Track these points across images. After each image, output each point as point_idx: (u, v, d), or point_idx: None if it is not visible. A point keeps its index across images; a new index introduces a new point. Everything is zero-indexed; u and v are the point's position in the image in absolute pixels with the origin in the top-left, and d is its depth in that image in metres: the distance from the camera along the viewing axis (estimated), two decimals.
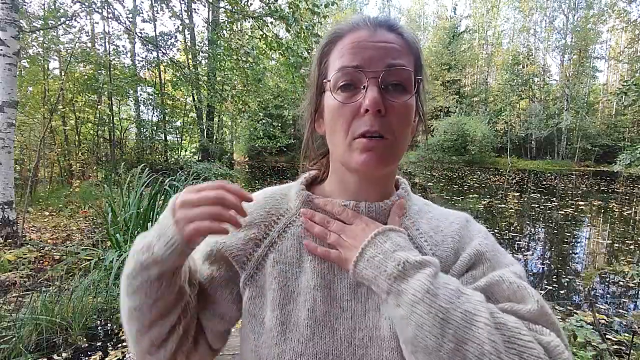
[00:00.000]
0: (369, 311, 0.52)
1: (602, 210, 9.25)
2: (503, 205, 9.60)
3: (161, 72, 12.01)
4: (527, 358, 0.39)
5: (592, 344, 2.34)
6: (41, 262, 4.11)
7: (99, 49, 11.06)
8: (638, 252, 5.53)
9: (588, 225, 7.82)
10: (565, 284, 4.26)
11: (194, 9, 12.04)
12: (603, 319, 3.31)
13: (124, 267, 0.51)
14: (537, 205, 9.65)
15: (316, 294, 0.52)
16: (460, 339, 0.40)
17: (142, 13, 9.74)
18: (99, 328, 2.98)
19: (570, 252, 5.82)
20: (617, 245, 5.96)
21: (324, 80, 0.54)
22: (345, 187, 0.57)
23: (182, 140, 13.46)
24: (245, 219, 0.56)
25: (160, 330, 0.51)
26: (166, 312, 0.50)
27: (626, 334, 2.90)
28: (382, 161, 0.51)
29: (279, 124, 14.28)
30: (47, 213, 6.51)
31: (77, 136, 10.09)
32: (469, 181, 15.44)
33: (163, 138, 12.18)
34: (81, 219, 6.26)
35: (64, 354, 2.58)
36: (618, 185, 14.84)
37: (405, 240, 0.50)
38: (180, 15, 10.06)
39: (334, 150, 0.55)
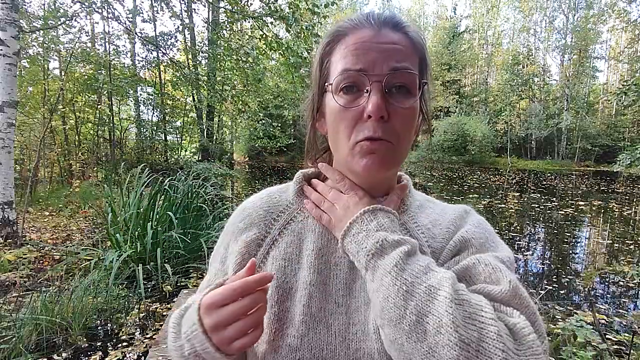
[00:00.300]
0: (361, 306, 0.52)
1: (602, 210, 9.25)
2: (503, 205, 9.60)
3: (161, 72, 12.01)
4: (486, 334, 0.39)
5: (592, 344, 2.34)
6: (41, 262, 4.12)
7: (99, 49, 11.06)
8: (638, 252, 5.53)
9: (588, 225, 7.82)
10: (565, 284, 4.26)
11: (194, 9, 12.05)
12: (603, 319, 3.31)
13: (177, 328, 0.55)
14: (537, 205, 9.65)
15: (312, 290, 0.53)
16: (421, 312, 0.41)
17: (142, 13, 9.74)
18: (99, 328, 2.98)
19: (570, 252, 5.82)
20: (617, 245, 5.96)
21: (326, 83, 0.53)
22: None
23: (182, 140, 13.46)
24: (245, 220, 0.58)
25: None
26: None
27: (626, 334, 2.90)
28: (384, 164, 0.51)
29: (279, 124, 14.29)
30: (47, 213, 6.51)
31: (77, 136, 10.09)
32: (469, 181, 15.44)
33: (163, 138, 12.18)
34: (81, 219, 6.26)
35: (64, 354, 2.58)
36: (618, 185, 14.84)
37: (392, 221, 0.51)
38: (180, 16, 10.07)
39: (336, 152, 0.55)
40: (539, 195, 11.51)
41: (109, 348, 2.71)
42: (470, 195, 11.09)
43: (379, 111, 0.47)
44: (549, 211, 8.90)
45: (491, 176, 17.93)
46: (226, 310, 0.46)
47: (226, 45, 8.77)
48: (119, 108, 12.15)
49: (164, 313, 3.19)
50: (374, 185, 0.56)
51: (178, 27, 10.69)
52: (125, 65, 11.06)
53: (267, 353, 0.52)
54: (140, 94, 11.94)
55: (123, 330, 2.96)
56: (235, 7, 7.37)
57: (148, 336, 2.87)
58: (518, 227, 7.31)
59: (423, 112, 0.56)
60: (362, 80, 0.49)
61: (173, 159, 12.03)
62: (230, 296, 0.46)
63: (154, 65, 11.45)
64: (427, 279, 0.43)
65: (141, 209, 4.17)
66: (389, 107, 0.49)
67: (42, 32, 7.76)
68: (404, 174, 0.64)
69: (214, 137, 14.57)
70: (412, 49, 0.51)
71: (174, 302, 3.20)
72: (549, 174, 19.76)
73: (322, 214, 0.55)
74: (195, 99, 12.12)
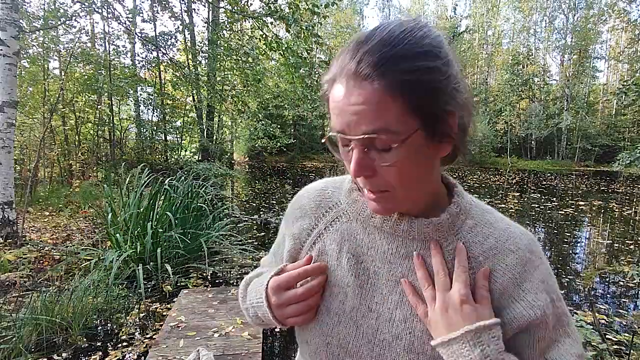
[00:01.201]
0: (394, 320, 0.53)
1: (602, 210, 9.25)
2: (503, 205, 9.60)
3: (161, 72, 12.01)
4: None
5: (592, 344, 2.34)
6: (41, 262, 4.12)
7: (99, 49, 11.06)
8: (638, 252, 5.53)
9: (588, 225, 7.82)
10: (565, 284, 4.26)
11: (194, 9, 12.05)
12: (603, 319, 3.31)
13: (246, 294, 0.67)
14: (537, 205, 9.65)
15: (348, 290, 0.55)
16: None
17: (142, 13, 9.75)
18: (99, 328, 2.98)
19: (570, 252, 5.82)
20: (617, 245, 5.96)
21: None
22: None
23: (182, 140, 13.46)
24: (300, 209, 0.64)
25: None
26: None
27: (626, 334, 2.91)
28: (389, 210, 0.51)
29: (279, 124, 14.28)
30: (47, 213, 6.51)
31: (77, 136, 10.09)
32: (469, 181, 15.44)
33: (163, 138, 12.18)
34: (81, 219, 6.26)
35: (64, 354, 2.58)
36: (618, 185, 14.84)
37: (497, 342, 0.47)
38: (180, 16, 10.07)
39: None
40: (539, 195, 11.51)
41: (109, 348, 2.71)
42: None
43: (358, 172, 0.47)
44: (549, 211, 8.90)
45: (491, 176, 17.93)
46: (287, 294, 0.56)
47: (226, 45, 8.78)
48: (119, 108, 12.14)
49: (164, 313, 3.19)
50: (408, 210, 0.53)
51: (178, 27, 10.70)
52: (125, 65, 11.06)
53: (304, 330, 0.59)
54: (140, 94, 11.94)
55: (123, 330, 2.96)
56: (235, 7, 7.37)
57: (148, 336, 2.87)
58: None
59: (438, 135, 0.47)
60: (344, 140, 0.48)
61: (173, 159, 12.04)
62: (291, 282, 0.56)
63: (154, 65, 11.45)
64: None
65: (141, 209, 4.17)
66: (374, 163, 0.46)
67: (42, 32, 7.76)
68: (451, 179, 0.58)
69: (214, 137, 14.57)
70: (386, 100, 0.43)
71: (174, 302, 3.20)
72: (549, 174, 19.76)
73: (418, 304, 0.51)
74: (195, 99, 12.12)
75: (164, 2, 7.88)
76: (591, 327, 2.48)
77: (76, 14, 7.25)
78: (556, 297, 0.51)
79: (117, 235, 3.98)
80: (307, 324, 0.58)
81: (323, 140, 0.53)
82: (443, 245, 0.53)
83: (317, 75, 7.65)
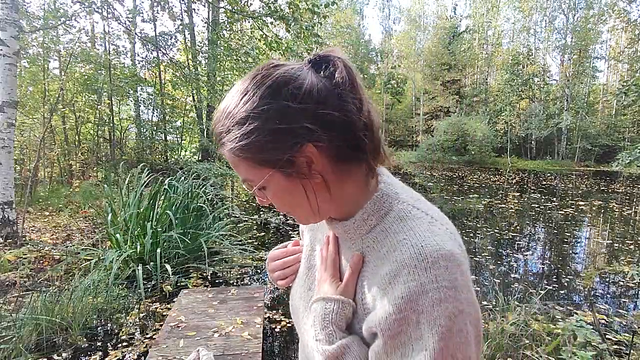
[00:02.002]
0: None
1: (602, 210, 9.25)
2: (503, 205, 9.60)
3: (161, 72, 12.01)
4: None
5: (592, 344, 2.34)
6: (41, 262, 4.12)
7: (99, 49, 11.06)
8: (638, 252, 5.53)
9: (588, 225, 7.81)
10: (565, 284, 4.26)
11: (194, 9, 12.05)
12: (603, 319, 3.31)
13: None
14: (537, 205, 9.65)
15: (302, 270, 0.73)
16: None
17: (142, 13, 9.75)
18: (99, 328, 2.98)
19: (570, 252, 5.82)
20: (617, 245, 5.96)
21: None
22: None
23: (182, 140, 13.46)
24: None
25: None
26: None
27: (626, 334, 2.91)
28: (302, 221, 0.62)
29: None
30: (47, 213, 6.51)
31: (77, 136, 10.09)
32: (469, 181, 15.44)
33: (163, 138, 12.17)
34: (81, 219, 6.26)
35: (64, 354, 2.58)
36: (618, 185, 14.84)
37: (325, 317, 0.55)
38: (180, 16, 10.07)
39: None
40: (539, 195, 11.51)
41: (109, 348, 2.71)
42: (470, 195, 11.09)
43: (260, 203, 0.60)
44: (549, 211, 8.90)
45: (491, 176, 17.93)
46: (274, 263, 0.77)
47: (226, 45, 8.78)
48: (119, 108, 12.14)
49: (164, 313, 3.19)
50: (336, 214, 0.60)
51: (178, 27, 10.70)
52: (125, 65, 11.06)
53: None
54: (140, 94, 11.93)
55: (123, 330, 2.96)
56: (235, 7, 7.37)
57: (148, 336, 2.87)
58: (518, 227, 7.31)
59: (295, 171, 0.52)
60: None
61: (173, 159, 12.03)
62: (279, 256, 0.77)
63: (154, 65, 11.45)
64: None
65: (141, 209, 4.17)
66: (266, 198, 0.57)
67: (42, 32, 7.76)
68: (384, 174, 0.60)
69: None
70: (234, 160, 0.54)
71: (174, 302, 3.20)
72: (549, 174, 19.76)
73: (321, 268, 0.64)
74: (195, 99, 12.12)
75: (162, 3, 7.88)
76: (591, 327, 2.47)
77: (76, 14, 7.26)
78: (416, 320, 0.45)
79: (117, 235, 3.98)
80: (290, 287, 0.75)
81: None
82: (348, 245, 0.60)
83: None
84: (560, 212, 8.76)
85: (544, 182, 15.72)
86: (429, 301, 0.44)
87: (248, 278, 4.21)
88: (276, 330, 3.07)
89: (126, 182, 4.78)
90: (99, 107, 10.36)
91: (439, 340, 0.44)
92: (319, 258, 0.66)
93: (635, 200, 11.16)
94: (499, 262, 5.08)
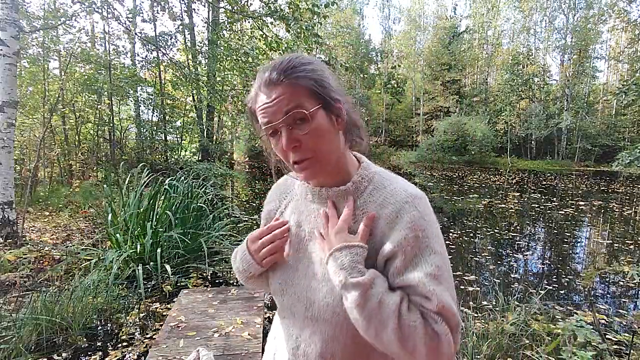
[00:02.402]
0: (318, 260, 0.75)
1: (602, 210, 9.25)
2: (503, 205, 9.60)
3: (161, 72, 12.01)
4: (415, 344, 0.60)
5: (592, 344, 2.34)
6: (41, 262, 4.12)
7: (99, 49, 11.06)
8: (638, 252, 5.53)
9: (588, 225, 7.81)
10: (565, 284, 4.26)
11: (194, 9, 12.04)
12: (603, 319, 3.31)
13: (235, 254, 0.86)
14: (537, 205, 9.65)
15: (291, 246, 0.80)
16: (378, 332, 0.62)
17: (142, 13, 9.75)
18: (99, 328, 2.98)
19: (570, 252, 5.82)
20: (617, 245, 5.96)
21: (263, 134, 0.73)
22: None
23: (182, 140, 13.45)
24: (270, 197, 0.91)
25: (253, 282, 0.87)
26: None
27: (626, 334, 2.90)
28: (315, 174, 0.71)
29: None
30: (47, 213, 6.51)
31: (77, 136, 10.09)
32: (469, 181, 15.44)
33: (163, 138, 12.17)
34: (81, 219, 6.26)
35: (64, 354, 2.58)
36: (618, 185, 14.84)
37: (355, 257, 0.67)
38: (180, 16, 10.06)
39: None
40: (539, 195, 11.51)
41: (109, 348, 2.71)
42: (470, 196, 11.09)
43: (289, 145, 0.67)
44: (549, 211, 8.90)
45: (491, 176, 17.93)
46: (260, 241, 0.79)
47: (226, 45, 8.77)
48: (119, 108, 12.13)
49: (164, 313, 3.19)
50: (328, 179, 0.76)
51: (178, 27, 10.70)
52: (125, 65, 11.05)
53: (270, 277, 0.82)
54: (140, 94, 11.93)
55: (123, 330, 2.96)
56: (235, 7, 7.37)
57: (148, 336, 2.87)
58: (518, 227, 7.31)
59: (339, 114, 0.71)
60: (274, 127, 0.68)
61: (173, 159, 12.02)
62: (263, 233, 0.80)
63: (154, 65, 11.45)
64: (379, 314, 0.62)
65: (141, 209, 4.17)
66: (297, 136, 0.67)
67: (42, 32, 7.75)
68: (363, 156, 0.80)
69: (214, 137, 14.56)
70: (295, 90, 0.67)
71: (174, 302, 3.20)
72: (549, 174, 19.76)
73: (323, 242, 0.74)
74: (195, 99, 12.11)
75: (162, 3, 7.88)
76: (591, 327, 2.47)
77: (76, 14, 7.25)
78: (422, 235, 0.66)
79: (117, 235, 3.98)
80: (274, 266, 0.80)
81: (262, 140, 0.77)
82: (351, 204, 0.74)
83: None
84: (560, 212, 8.76)
85: (544, 182, 15.72)
86: (426, 223, 0.67)
87: None
88: None
89: (126, 182, 4.78)
90: (99, 107, 10.35)
91: (440, 245, 0.67)
92: (315, 226, 0.77)
93: (635, 200, 11.16)
94: (499, 262, 5.08)
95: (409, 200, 0.69)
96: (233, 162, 19.29)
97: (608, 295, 4.13)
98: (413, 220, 0.67)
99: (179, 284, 3.76)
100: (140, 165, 5.26)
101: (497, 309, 2.95)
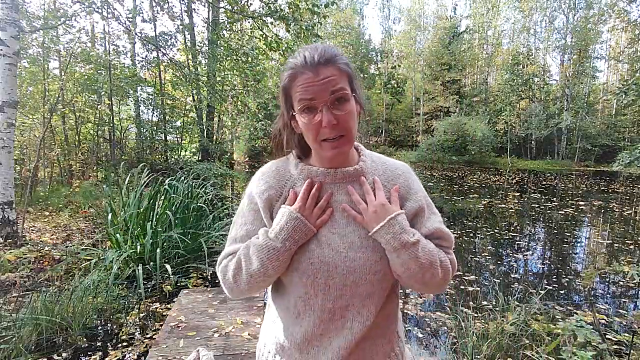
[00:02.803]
0: (349, 233, 0.83)
1: (602, 210, 9.25)
2: (503, 205, 9.60)
3: (161, 72, 12.00)
4: (446, 271, 0.83)
5: (592, 344, 2.34)
6: (41, 262, 4.11)
7: (99, 49, 11.05)
8: (638, 252, 5.53)
9: (588, 225, 7.81)
10: (565, 284, 4.26)
11: (194, 9, 12.04)
12: (603, 319, 3.31)
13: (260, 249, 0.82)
14: (537, 205, 9.65)
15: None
16: (425, 273, 0.80)
17: (142, 13, 9.75)
18: (99, 328, 2.98)
19: (570, 252, 5.82)
20: (617, 245, 5.96)
21: (292, 108, 0.81)
22: (324, 160, 0.86)
23: (182, 140, 13.44)
24: (265, 184, 0.89)
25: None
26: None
27: (626, 334, 2.90)
28: (343, 152, 0.81)
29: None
30: (47, 213, 6.50)
31: (77, 136, 10.09)
32: (469, 181, 15.44)
33: (163, 138, 12.16)
34: (81, 219, 6.26)
35: (64, 354, 2.58)
36: (618, 185, 14.83)
37: (405, 222, 0.81)
38: (180, 16, 10.06)
39: (311, 145, 0.84)
40: (539, 195, 11.51)
41: (109, 348, 2.71)
42: (470, 195, 11.09)
43: (330, 123, 0.76)
44: (549, 211, 8.90)
45: (491, 176, 17.93)
46: (308, 205, 0.83)
47: (226, 45, 8.77)
48: (119, 108, 12.13)
49: (164, 313, 3.19)
50: (339, 157, 0.85)
51: (178, 27, 10.69)
52: (125, 65, 11.04)
53: (295, 261, 0.83)
54: (140, 94, 11.92)
55: (123, 330, 2.96)
56: (235, 7, 7.37)
57: (148, 336, 2.87)
58: (518, 227, 7.32)
59: (360, 103, 0.85)
60: (315, 104, 0.76)
61: (173, 159, 12.02)
62: (305, 198, 0.83)
63: (154, 65, 11.44)
64: (428, 257, 0.80)
65: (141, 209, 4.17)
66: (336, 115, 0.76)
67: (42, 32, 7.75)
68: (360, 146, 0.93)
69: (214, 137, 14.55)
70: (340, 74, 0.78)
71: (174, 302, 3.20)
72: (549, 174, 19.75)
73: (357, 216, 0.83)
74: (195, 99, 12.10)
75: (162, 3, 7.87)
76: (591, 327, 2.47)
77: (76, 14, 7.25)
78: (425, 196, 0.90)
79: (117, 235, 3.98)
80: (299, 251, 0.82)
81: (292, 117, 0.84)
82: (363, 180, 0.86)
83: None
84: (560, 212, 8.76)
85: (544, 182, 15.72)
86: (420, 183, 0.92)
87: None
88: None
89: (126, 182, 4.78)
90: (99, 107, 10.35)
91: (428, 197, 0.92)
92: (340, 201, 0.86)
93: (635, 200, 11.16)
94: (499, 262, 5.08)
95: (408, 170, 0.92)
96: (233, 162, 19.28)
97: (608, 295, 4.13)
98: (419, 185, 0.90)
99: (179, 284, 3.76)
100: (140, 165, 5.26)
101: (497, 309, 2.95)
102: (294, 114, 0.81)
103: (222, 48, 8.95)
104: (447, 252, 0.85)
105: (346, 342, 0.81)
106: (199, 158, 13.52)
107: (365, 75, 30.42)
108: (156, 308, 3.32)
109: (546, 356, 2.30)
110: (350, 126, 0.78)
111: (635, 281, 4.26)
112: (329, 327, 0.82)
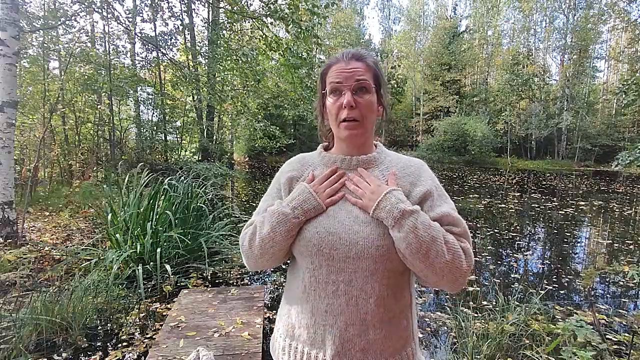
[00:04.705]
0: (355, 210, 0.90)
1: (602, 210, 9.24)
2: (503, 205, 9.60)
3: (161, 72, 12.00)
4: (454, 253, 0.82)
5: (592, 344, 2.34)
6: (41, 262, 4.11)
7: (99, 49, 11.05)
8: (638, 252, 5.52)
9: (588, 225, 7.81)
10: (565, 284, 4.26)
11: (194, 9, 12.04)
12: (603, 319, 3.31)
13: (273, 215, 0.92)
14: (537, 205, 9.65)
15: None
16: (428, 248, 0.80)
17: (142, 13, 9.74)
18: (99, 328, 2.98)
19: (570, 252, 5.82)
20: (617, 245, 5.96)
21: (324, 90, 0.95)
22: (343, 148, 0.98)
23: (182, 140, 13.44)
24: (290, 167, 1.03)
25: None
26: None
27: (626, 334, 2.90)
28: (356, 135, 0.91)
29: (279, 125, 14.20)
30: (47, 213, 6.50)
31: (77, 136, 10.09)
32: (469, 181, 15.43)
33: (163, 138, 12.16)
34: (81, 219, 6.26)
35: (64, 354, 2.58)
36: (618, 185, 14.83)
37: (402, 195, 0.87)
38: (180, 16, 10.06)
39: (332, 127, 0.96)
40: (539, 195, 11.51)
41: (109, 348, 2.71)
42: (471, 195, 11.08)
43: (349, 102, 0.88)
44: (549, 211, 8.89)
45: (491, 176, 17.92)
46: (324, 184, 0.93)
47: (226, 45, 8.77)
48: (119, 108, 12.13)
49: (164, 313, 3.19)
50: (356, 145, 0.96)
51: (178, 27, 10.69)
52: (125, 65, 11.04)
53: (304, 230, 0.90)
54: (140, 94, 11.92)
55: (123, 330, 2.96)
56: (235, 7, 7.37)
57: (148, 336, 2.87)
58: (518, 227, 7.31)
59: (383, 105, 0.97)
60: (341, 88, 0.90)
61: (173, 159, 12.02)
62: (323, 179, 0.94)
63: (154, 65, 11.44)
64: (431, 232, 0.81)
65: (141, 209, 4.17)
66: (356, 100, 0.88)
67: (42, 32, 7.75)
68: (380, 143, 1.03)
69: (214, 137, 14.56)
70: (367, 69, 0.91)
71: (174, 302, 3.20)
72: (549, 174, 19.75)
73: (357, 202, 0.90)
74: (195, 99, 12.10)
75: (161, 4, 7.87)
76: (591, 327, 2.47)
77: (76, 14, 7.25)
78: (437, 186, 0.93)
79: (117, 235, 3.98)
80: (311, 220, 0.89)
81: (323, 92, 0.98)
82: (375, 169, 0.96)
83: (317, 76, 7.65)
84: (560, 212, 8.76)
85: (544, 182, 15.72)
86: (435, 178, 0.95)
87: (248, 278, 4.21)
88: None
89: (126, 182, 4.77)
90: (99, 107, 10.35)
91: (444, 191, 0.95)
92: (354, 180, 0.94)
93: (635, 200, 11.16)
94: (499, 262, 5.08)
95: (422, 163, 0.99)
96: (233, 162, 19.29)
97: (608, 295, 4.13)
98: (431, 176, 0.95)
99: (179, 284, 3.76)
100: (140, 165, 5.26)
101: (497, 309, 2.95)
102: (324, 92, 0.94)
103: (222, 48, 8.95)
104: (459, 239, 0.85)
105: (352, 319, 0.84)
106: (199, 158, 13.53)
107: None
108: (156, 308, 3.32)
109: (546, 356, 2.30)
110: (366, 114, 0.89)
111: (635, 281, 4.25)
112: (333, 302, 0.85)
